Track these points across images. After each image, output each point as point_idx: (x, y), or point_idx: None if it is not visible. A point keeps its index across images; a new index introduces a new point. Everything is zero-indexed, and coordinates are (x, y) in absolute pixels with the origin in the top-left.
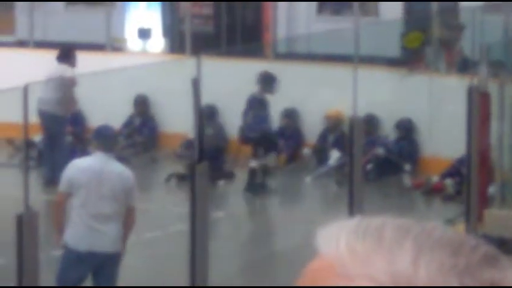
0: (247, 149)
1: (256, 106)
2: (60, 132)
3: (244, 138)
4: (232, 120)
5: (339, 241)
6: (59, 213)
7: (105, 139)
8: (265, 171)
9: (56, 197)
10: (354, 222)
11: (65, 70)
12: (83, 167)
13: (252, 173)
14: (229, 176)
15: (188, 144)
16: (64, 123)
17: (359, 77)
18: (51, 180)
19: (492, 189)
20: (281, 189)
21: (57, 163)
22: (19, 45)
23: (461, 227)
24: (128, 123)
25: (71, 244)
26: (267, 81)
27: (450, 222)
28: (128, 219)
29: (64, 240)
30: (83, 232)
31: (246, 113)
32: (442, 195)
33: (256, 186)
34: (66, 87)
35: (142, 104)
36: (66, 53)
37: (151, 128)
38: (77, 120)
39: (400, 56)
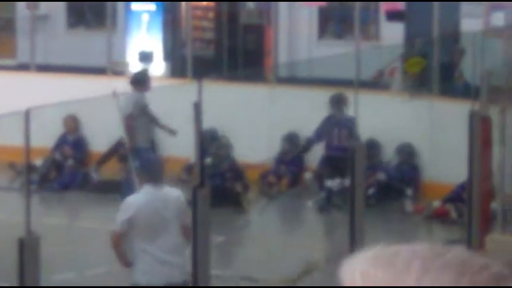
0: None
1: (337, 126)
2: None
3: (328, 158)
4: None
5: (355, 269)
6: (120, 252)
7: (154, 170)
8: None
9: (112, 236)
10: (372, 251)
11: (139, 96)
12: (140, 204)
13: (329, 193)
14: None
15: (190, 168)
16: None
17: (360, 102)
18: None
19: (494, 215)
20: (283, 214)
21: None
22: (20, 68)
23: None
24: None
25: (143, 282)
26: (339, 102)
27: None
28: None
29: (133, 280)
30: (155, 267)
31: (328, 133)
32: (444, 220)
33: (329, 207)
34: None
35: None
36: (139, 78)
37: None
38: (79, 144)
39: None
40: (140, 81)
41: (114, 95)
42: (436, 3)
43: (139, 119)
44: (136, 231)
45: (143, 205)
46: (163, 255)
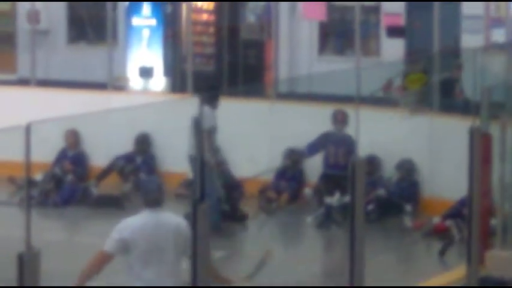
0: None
1: (334, 143)
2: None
3: (327, 175)
4: (233, 160)
5: None
6: (94, 271)
7: (152, 195)
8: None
9: (98, 254)
10: None
11: (213, 114)
12: (137, 227)
13: (329, 209)
14: (242, 217)
15: (188, 183)
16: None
17: (361, 118)
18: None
19: (493, 231)
20: (282, 229)
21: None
22: (21, 83)
23: (462, 269)
24: (128, 161)
25: None
26: (341, 119)
27: (442, 253)
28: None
29: None
30: None
31: (325, 150)
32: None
33: (330, 223)
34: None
35: (143, 143)
36: (211, 94)
37: (151, 166)
38: (79, 159)
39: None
40: (214, 97)
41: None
42: (436, 19)
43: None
44: (130, 254)
45: (139, 229)
46: (157, 281)
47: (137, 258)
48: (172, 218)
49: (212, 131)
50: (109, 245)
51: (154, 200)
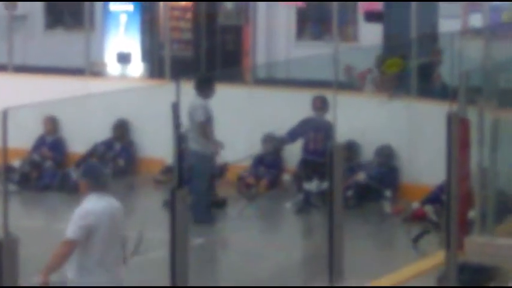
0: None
1: (314, 129)
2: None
3: (306, 161)
4: None
5: None
6: (62, 262)
7: (102, 179)
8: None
9: (65, 243)
10: None
11: (205, 104)
12: (99, 212)
13: (308, 195)
14: (222, 203)
15: (167, 169)
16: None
17: (339, 103)
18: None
19: (472, 216)
20: (261, 215)
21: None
22: None
23: (440, 255)
24: (108, 147)
25: None
26: (321, 105)
27: (416, 240)
28: None
29: None
30: (107, 280)
31: (304, 136)
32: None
33: (309, 209)
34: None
35: (121, 129)
36: (202, 84)
37: (129, 153)
38: (57, 145)
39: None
40: (205, 87)
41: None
42: (414, 4)
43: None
44: (92, 241)
45: (101, 213)
46: (114, 268)
47: (98, 244)
48: (116, 202)
49: (207, 123)
50: (74, 232)
51: (105, 184)
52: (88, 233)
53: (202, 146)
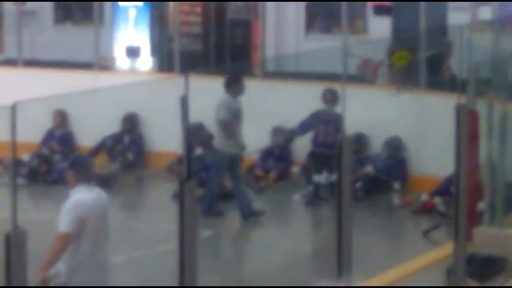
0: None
1: (324, 122)
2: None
3: (315, 153)
4: None
5: None
6: (59, 256)
7: (88, 170)
8: (332, 186)
9: (60, 237)
10: None
11: (232, 101)
12: (89, 204)
13: (317, 187)
14: (231, 195)
15: (179, 161)
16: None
17: (348, 96)
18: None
19: (481, 207)
20: (270, 207)
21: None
22: (8, 64)
23: (449, 246)
24: (117, 141)
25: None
26: (332, 98)
27: (426, 234)
28: None
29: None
30: (99, 274)
31: (314, 128)
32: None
33: (318, 201)
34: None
35: (130, 122)
36: (231, 82)
37: (139, 146)
38: (66, 139)
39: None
40: (233, 84)
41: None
42: None
43: (233, 125)
44: (83, 234)
45: (90, 205)
46: (105, 261)
47: (89, 236)
48: (104, 193)
49: (230, 121)
50: (68, 225)
51: (91, 175)
52: (80, 225)
53: (222, 144)
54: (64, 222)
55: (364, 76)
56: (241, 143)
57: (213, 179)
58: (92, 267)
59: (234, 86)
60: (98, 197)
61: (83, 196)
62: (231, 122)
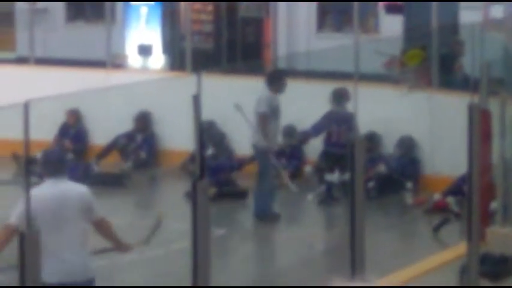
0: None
1: (336, 122)
2: (263, 167)
3: (328, 153)
4: (232, 137)
5: None
6: (2, 247)
7: (56, 164)
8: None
9: (4, 227)
10: None
11: (272, 97)
12: (38, 197)
13: (330, 187)
14: (243, 195)
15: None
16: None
17: (359, 95)
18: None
19: (494, 207)
20: (283, 207)
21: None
22: (20, 62)
23: (462, 246)
24: (129, 139)
25: (50, 281)
26: (341, 97)
27: (436, 229)
28: (104, 230)
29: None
30: (57, 265)
31: (327, 128)
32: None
33: (330, 200)
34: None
35: (143, 120)
36: (273, 79)
37: (151, 144)
38: (79, 136)
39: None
40: (276, 81)
41: (237, 107)
42: None
43: (270, 120)
44: (41, 227)
45: (41, 198)
46: (64, 254)
47: (42, 229)
48: (75, 187)
49: (272, 116)
50: (14, 218)
51: (55, 169)
52: (29, 218)
53: (257, 140)
54: (13, 214)
55: (391, 74)
56: (275, 139)
57: (262, 178)
58: (51, 261)
59: (276, 83)
60: (61, 190)
61: (40, 190)
62: (269, 116)
